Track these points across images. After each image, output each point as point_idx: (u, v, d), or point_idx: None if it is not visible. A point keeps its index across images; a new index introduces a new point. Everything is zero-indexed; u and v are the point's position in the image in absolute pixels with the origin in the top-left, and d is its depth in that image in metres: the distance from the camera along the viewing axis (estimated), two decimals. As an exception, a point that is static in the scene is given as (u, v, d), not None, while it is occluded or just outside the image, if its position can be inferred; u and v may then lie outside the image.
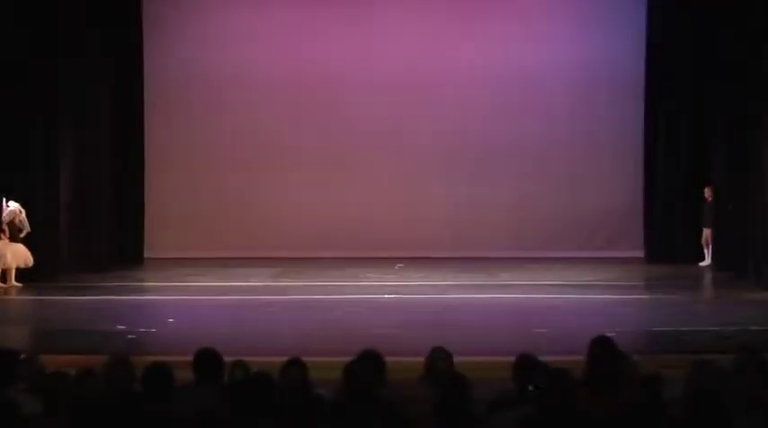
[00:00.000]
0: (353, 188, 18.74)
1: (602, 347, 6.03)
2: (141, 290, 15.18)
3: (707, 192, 17.16)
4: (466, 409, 5.11)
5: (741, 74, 15.24)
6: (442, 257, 17.87)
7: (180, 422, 4.98)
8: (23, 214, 15.07)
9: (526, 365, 5.83)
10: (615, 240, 18.58)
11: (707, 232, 17.24)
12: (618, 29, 18.47)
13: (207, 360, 6.01)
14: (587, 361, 5.97)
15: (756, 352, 5.95)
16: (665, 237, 18.00)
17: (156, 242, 18.31)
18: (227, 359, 6.17)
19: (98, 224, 17.20)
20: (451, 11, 18.61)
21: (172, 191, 18.62)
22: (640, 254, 18.23)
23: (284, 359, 6.06)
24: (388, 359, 6.08)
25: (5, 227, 14.93)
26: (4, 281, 14.94)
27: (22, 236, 15.05)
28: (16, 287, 14.92)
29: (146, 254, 18.21)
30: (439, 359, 6.17)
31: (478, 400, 5.38)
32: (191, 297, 14.12)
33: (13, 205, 15.02)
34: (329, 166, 18.74)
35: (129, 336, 10.64)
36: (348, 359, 5.93)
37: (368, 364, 5.89)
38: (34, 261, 15.08)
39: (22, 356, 6.34)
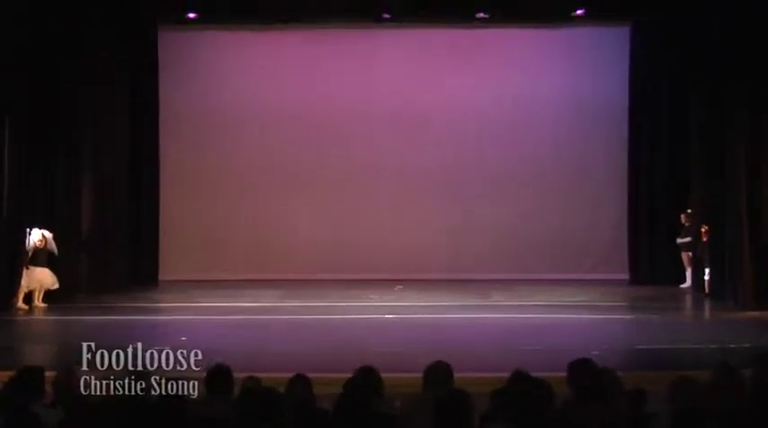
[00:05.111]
0: (355, 214, 18.77)
1: (580, 368, 5.98)
2: (156, 310, 15.14)
3: (683, 218, 17.15)
4: (465, 422, 5.08)
5: (718, 105, 15.29)
6: (439, 279, 17.88)
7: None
8: (51, 237, 15.05)
9: (519, 380, 5.81)
10: (601, 263, 18.57)
11: (686, 255, 17.23)
12: (603, 65, 18.56)
13: (219, 375, 5.99)
14: (568, 381, 5.92)
15: (734, 368, 5.93)
16: (648, 261, 17.99)
17: (170, 265, 18.30)
18: (237, 375, 6.15)
19: (116, 248, 17.21)
20: (450, 48, 18.71)
21: (185, 218, 18.64)
22: (625, 276, 18.21)
23: (290, 375, 6.05)
24: (389, 374, 6.05)
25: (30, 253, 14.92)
26: (30, 303, 14.93)
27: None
28: (41, 307, 14.93)
29: (160, 277, 18.19)
30: (438, 372, 6.12)
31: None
32: (202, 316, 14.10)
33: (37, 232, 14.99)
34: (333, 194, 18.77)
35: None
36: (349, 375, 5.92)
37: (366, 379, 5.88)
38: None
39: (61, 369, 6.31)
